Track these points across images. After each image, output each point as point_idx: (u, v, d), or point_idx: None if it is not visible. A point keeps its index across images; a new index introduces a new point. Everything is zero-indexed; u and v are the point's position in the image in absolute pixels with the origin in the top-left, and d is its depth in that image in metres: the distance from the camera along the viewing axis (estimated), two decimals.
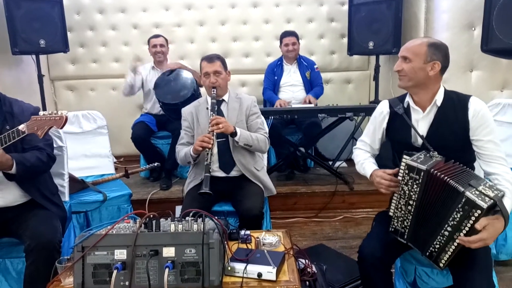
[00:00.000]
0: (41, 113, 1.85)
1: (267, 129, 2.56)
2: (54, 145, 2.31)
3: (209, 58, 2.47)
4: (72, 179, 2.58)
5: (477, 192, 1.51)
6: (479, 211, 1.47)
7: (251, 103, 2.54)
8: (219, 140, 2.43)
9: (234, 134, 2.34)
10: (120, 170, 3.31)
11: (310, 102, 3.78)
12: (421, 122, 1.83)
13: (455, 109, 1.77)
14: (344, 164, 3.98)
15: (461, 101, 1.77)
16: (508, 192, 1.62)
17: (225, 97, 2.55)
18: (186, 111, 2.56)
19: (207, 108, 2.45)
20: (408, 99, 1.88)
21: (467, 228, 1.51)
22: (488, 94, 3.58)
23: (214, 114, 2.35)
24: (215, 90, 2.43)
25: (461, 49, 3.58)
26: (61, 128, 1.85)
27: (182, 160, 2.48)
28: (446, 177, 1.57)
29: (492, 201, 1.48)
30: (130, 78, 3.71)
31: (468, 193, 1.50)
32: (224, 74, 2.48)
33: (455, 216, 1.54)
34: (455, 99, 1.80)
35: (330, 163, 3.85)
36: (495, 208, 1.51)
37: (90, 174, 3.03)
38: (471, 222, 1.50)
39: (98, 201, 2.63)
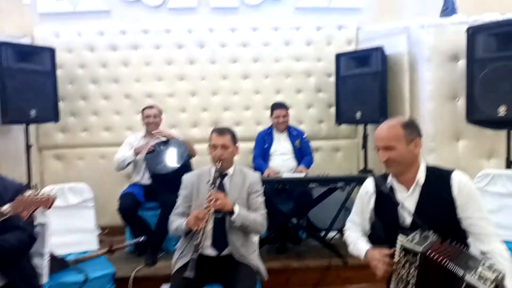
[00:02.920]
0: (27, 192, 1.79)
1: (265, 210, 2.50)
2: (35, 222, 2.22)
3: (220, 131, 2.47)
4: (52, 258, 2.44)
5: (477, 276, 1.45)
6: None
7: (255, 181, 2.51)
8: (216, 215, 2.35)
9: (232, 212, 2.27)
10: (105, 243, 3.18)
11: (301, 171, 3.76)
12: (407, 202, 1.80)
13: (438, 186, 1.76)
14: (337, 235, 3.88)
15: (443, 177, 1.76)
16: (508, 271, 1.55)
17: (230, 171, 2.51)
18: (187, 179, 2.51)
19: (208, 181, 2.40)
20: (390, 179, 1.87)
21: None
22: (476, 163, 3.62)
23: (214, 189, 2.30)
24: (219, 164, 2.40)
25: (446, 119, 3.68)
26: (49, 209, 1.78)
27: (173, 232, 2.41)
28: (443, 260, 1.51)
29: (493, 284, 1.42)
30: (129, 157, 3.67)
31: (468, 278, 1.44)
32: (232, 148, 2.47)
33: None
34: (437, 176, 1.78)
35: (323, 233, 3.75)
36: None
37: (72, 251, 2.89)
38: None
39: (79, 283, 2.49)
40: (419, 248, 1.56)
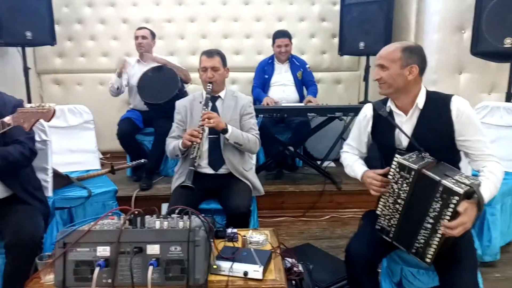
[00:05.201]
0: (27, 105, 1.80)
1: (258, 130, 2.53)
2: (38, 139, 2.27)
3: (209, 53, 2.44)
4: (56, 174, 2.52)
5: (453, 180, 1.52)
6: (457, 198, 1.48)
7: (247, 103, 2.52)
8: (210, 136, 2.41)
9: (225, 131, 2.31)
10: (106, 166, 3.26)
11: (310, 102, 3.71)
12: (405, 125, 1.82)
13: (438, 110, 1.76)
14: (332, 164, 3.98)
15: (443, 102, 1.75)
16: (487, 181, 1.62)
17: (222, 94, 2.52)
18: (180, 104, 2.53)
19: (200, 102, 2.42)
20: (389, 103, 1.87)
21: (447, 217, 1.52)
22: (476, 97, 3.62)
23: (206, 109, 2.33)
24: (211, 85, 2.40)
25: (451, 51, 3.62)
26: (49, 121, 1.81)
27: (170, 153, 2.45)
28: (424, 170, 1.58)
29: (468, 187, 1.49)
30: (115, 81, 3.65)
31: (444, 181, 1.51)
32: (222, 70, 2.45)
33: (435, 206, 1.55)
34: (437, 100, 1.78)
35: (319, 162, 3.84)
36: (473, 195, 1.52)
37: (75, 170, 2.97)
38: (450, 210, 1.51)
39: (83, 197, 2.58)
40: (415, 166, 1.62)
